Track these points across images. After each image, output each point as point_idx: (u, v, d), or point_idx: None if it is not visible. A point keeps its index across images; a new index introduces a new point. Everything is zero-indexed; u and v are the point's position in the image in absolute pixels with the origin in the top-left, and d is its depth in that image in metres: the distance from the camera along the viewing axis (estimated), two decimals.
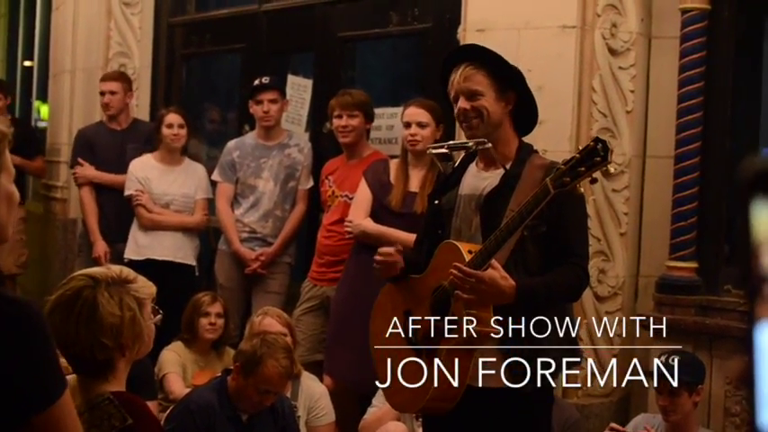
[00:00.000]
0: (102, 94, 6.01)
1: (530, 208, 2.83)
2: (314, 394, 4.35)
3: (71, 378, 2.25)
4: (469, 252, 2.99)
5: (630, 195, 4.47)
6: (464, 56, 3.21)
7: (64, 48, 7.27)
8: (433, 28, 5.16)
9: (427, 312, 3.11)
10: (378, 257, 3.21)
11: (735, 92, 4.42)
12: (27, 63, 10.11)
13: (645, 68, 4.54)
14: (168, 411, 3.88)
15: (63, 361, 2.10)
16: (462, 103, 3.10)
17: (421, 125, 4.53)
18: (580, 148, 2.80)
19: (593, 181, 2.83)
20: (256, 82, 5.42)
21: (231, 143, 5.58)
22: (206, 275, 5.75)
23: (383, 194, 4.63)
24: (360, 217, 4.66)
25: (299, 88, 5.81)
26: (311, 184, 5.42)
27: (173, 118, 5.65)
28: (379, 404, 4.24)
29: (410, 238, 4.50)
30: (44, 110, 8.88)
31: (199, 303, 4.92)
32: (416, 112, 4.56)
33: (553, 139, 4.18)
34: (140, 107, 6.66)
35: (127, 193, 5.65)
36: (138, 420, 2.27)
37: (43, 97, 8.85)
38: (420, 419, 4.03)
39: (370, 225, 4.62)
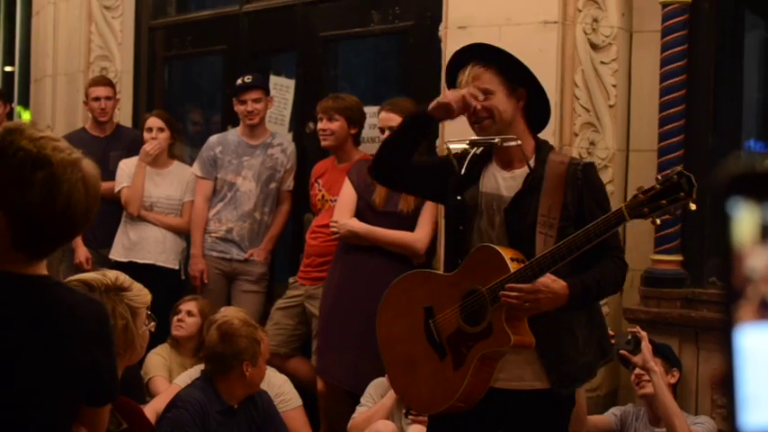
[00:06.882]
0: (97, 99, 5.94)
1: (599, 231, 2.79)
2: (275, 383, 4.37)
3: None
4: (512, 260, 2.90)
5: (615, 189, 4.47)
6: (470, 55, 3.12)
7: (45, 52, 7.23)
8: (415, 26, 5.16)
9: (455, 314, 3.02)
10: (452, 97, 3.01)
11: (717, 85, 4.43)
12: (8, 68, 10.06)
13: (627, 63, 4.55)
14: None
15: None
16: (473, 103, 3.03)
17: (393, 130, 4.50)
18: (660, 178, 2.74)
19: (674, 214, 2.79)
20: (239, 81, 5.40)
21: (213, 138, 5.56)
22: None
23: (368, 194, 4.61)
24: (345, 217, 4.63)
25: (282, 89, 5.80)
26: (293, 184, 5.43)
27: (152, 122, 5.65)
28: (367, 404, 4.24)
29: (397, 235, 4.50)
30: (26, 115, 8.83)
31: (177, 304, 4.92)
32: (387, 117, 4.55)
33: None
34: (122, 111, 6.63)
35: (117, 188, 5.58)
36: (132, 424, 2.27)
37: (25, 102, 8.80)
38: (409, 417, 4.03)
39: (357, 224, 4.58)
